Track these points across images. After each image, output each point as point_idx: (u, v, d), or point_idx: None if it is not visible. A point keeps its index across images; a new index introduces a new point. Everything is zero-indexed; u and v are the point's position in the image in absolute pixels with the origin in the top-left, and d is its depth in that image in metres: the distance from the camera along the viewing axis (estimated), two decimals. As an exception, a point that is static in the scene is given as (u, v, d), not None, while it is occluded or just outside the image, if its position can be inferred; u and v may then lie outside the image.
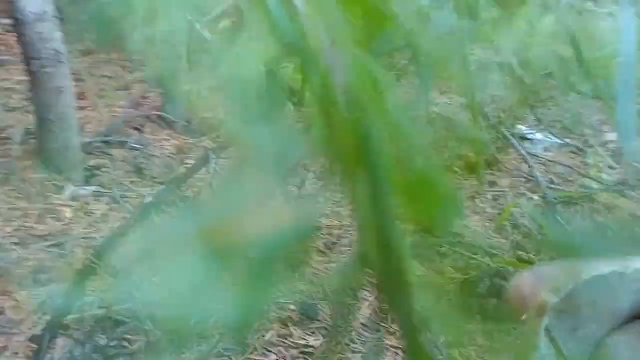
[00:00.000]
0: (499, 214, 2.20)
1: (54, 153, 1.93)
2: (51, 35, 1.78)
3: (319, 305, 1.75)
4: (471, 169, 2.20)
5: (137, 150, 2.15)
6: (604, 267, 0.27)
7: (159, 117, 2.32)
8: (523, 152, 1.88)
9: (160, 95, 2.39)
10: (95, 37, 3.08)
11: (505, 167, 2.50)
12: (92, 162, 2.08)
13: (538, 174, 2.03)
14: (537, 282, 0.31)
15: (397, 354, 1.67)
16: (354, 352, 1.65)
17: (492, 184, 2.42)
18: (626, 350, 0.26)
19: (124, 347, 1.57)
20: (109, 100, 2.60)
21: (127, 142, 2.17)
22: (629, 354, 0.25)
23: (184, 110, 2.38)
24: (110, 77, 2.79)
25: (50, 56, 1.80)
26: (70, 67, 1.96)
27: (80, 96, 2.61)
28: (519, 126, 2.80)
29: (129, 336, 1.59)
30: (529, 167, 1.94)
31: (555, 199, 1.96)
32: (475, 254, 2.16)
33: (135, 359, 1.58)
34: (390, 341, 1.70)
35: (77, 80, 2.75)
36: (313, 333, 1.67)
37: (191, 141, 2.32)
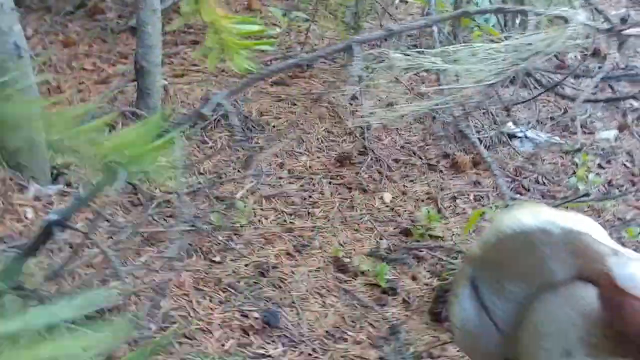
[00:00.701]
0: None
1: (17, 151, 1.88)
2: (10, 29, 1.72)
3: (282, 312, 1.69)
4: (457, 168, 2.11)
5: (107, 147, 2.09)
6: (529, 222, 0.24)
7: (133, 112, 2.26)
8: (487, 157, 1.80)
9: (136, 89, 2.32)
10: (78, 28, 3.03)
11: (491, 167, 2.42)
12: (59, 161, 2.03)
13: (503, 181, 1.95)
14: None
15: (361, 364, 1.62)
16: (316, 362, 1.59)
17: (476, 183, 2.35)
18: (558, 310, 0.23)
19: None
20: (86, 94, 2.54)
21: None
22: (561, 315, 0.23)
23: (159, 107, 2.32)
24: (90, 70, 2.73)
25: (9, 51, 1.74)
26: (31, 61, 1.90)
27: (57, 90, 2.56)
28: (509, 124, 2.71)
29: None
30: (494, 175, 1.86)
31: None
32: (455, 258, 2.10)
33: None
34: (355, 351, 1.65)
35: (56, 72, 2.70)
36: (273, 342, 1.61)
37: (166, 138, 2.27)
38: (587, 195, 1.85)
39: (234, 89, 1.31)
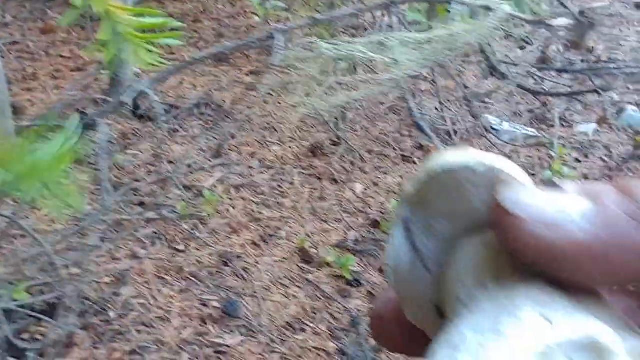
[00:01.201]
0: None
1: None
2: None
3: (243, 302, 1.69)
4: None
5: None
6: (456, 160, 0.25)
7: (105, 100, 2.25)
8: (439, 147, 1.79)
9: (110, 77, 2.31)
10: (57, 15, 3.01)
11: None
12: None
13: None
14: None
15: (319, 355, 1.62)
16: (273, 352, 1.59)
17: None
18: (477, 250, 0.25)
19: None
20: (61, 81, 2.53)
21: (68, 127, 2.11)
22: (480, 254, 0.25)
23: (132, 94, 2.31)
24: (67, 57, 2.72)
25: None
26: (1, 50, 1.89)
27: (32, 77, 2.55)
28: (486, 115, 2.70)
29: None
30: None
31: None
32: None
33: None
34: (315, 342, 1.65)
35: (32, 60, 2.69)
36: (231, 331, 1.61)
37: (136, 127, 2.26)
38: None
39: (157, 76, 1.30)
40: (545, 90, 2.76)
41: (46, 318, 1.60)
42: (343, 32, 2.60)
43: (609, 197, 0.21)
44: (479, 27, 0.95)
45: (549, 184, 0.23)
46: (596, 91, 2.30)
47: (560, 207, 0.21)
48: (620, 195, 0.21)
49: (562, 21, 1.22)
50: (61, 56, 2.72)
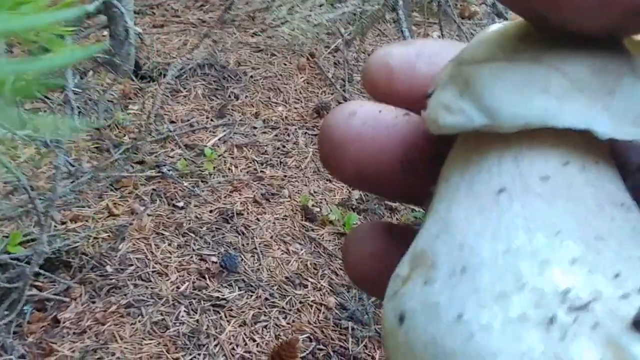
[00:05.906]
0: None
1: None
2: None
3: (243, 257, 1.66)
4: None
5: (77, 94, 2.06)
6: None
7: (107, 60, 2.22)
8: None
9: (111, 37, 2.27)
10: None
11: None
12: (28, 106, 1.99)
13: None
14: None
15: (319, 310, 1.58)
16: (272, 306, 1.56)
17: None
18: None
19: None
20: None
21: (67, 85, 2.08)
22: None
23: (133, 54, 2.28)
24: (71, 21, 2.69)
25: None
26: None
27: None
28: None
29: None
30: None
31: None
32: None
33: None
34: (315, 297, 1.61)
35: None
36: (230, 285, 1.58)
37: (138, 86, 2.22)
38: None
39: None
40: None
41: (43, 272, 1.58)
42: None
43: None
44: None
45: None
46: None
47: None
48: None
49: None
50: (65, 20, 2.68)
